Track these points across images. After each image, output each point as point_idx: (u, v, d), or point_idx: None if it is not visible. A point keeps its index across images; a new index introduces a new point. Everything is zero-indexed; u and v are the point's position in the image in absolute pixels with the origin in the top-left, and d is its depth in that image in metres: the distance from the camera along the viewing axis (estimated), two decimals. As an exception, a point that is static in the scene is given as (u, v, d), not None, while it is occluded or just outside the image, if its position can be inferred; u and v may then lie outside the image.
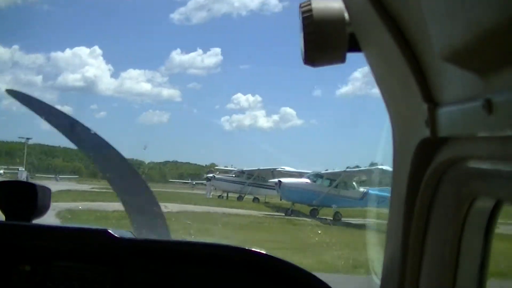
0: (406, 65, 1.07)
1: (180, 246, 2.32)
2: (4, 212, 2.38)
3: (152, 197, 3.40)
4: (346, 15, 1.30)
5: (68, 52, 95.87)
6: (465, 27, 0.73)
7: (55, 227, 2.38)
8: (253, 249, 2.22)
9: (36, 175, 48.38)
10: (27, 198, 2.37)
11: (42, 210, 2.43)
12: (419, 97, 1.06)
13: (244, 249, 2.25)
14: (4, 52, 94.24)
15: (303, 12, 1.32)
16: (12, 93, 3.82)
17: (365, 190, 32.43)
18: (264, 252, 2.20)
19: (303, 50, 1.35)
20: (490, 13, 0.67)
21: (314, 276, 2.15)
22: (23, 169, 46.74)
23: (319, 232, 21.61)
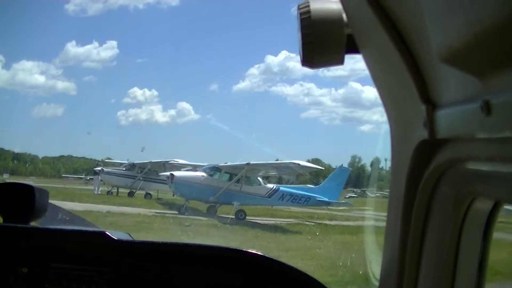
0: (404, 66, 1.07)
1: (177, 248, 2.30)
2: (2, 214, 2.39)
3: None
4: (344, 16, 1.30)
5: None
6: (463, 28, 0.73)
7: (53, 229, 2.38)
8: (250, 251, 2.23)
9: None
10: (25, 200, 2.38)
11: (40, 212, 2.44)
12: (417, 99, 1.06)
13: (241, 251, 2.26)
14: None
15: (301, 14, 1.31)
16: None
17: (274, 186, 30.55)
18: (261, 254, 2.21)
19: (301, 51, 1.34)
20: (488, 14, 0.67)
21: (311, 278, 2.15)
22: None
23: (216, 233, 20.42)
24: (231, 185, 29.17)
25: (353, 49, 1.33)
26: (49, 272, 2.19)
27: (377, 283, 1.53)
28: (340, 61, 1.36)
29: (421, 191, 1.21)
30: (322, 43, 1.31)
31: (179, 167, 33.73)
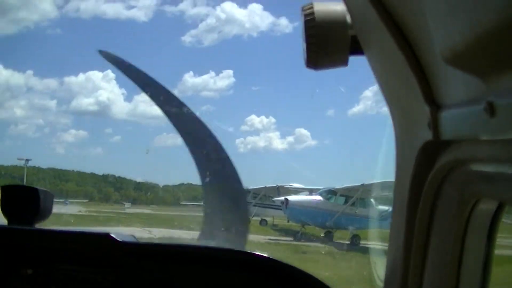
0: (408, 67, 1.07)
1: (182, 249, 2.30)
2: (7, 216, 2.39)
3: None
4: (348, 18, 1.31)
5: (81, 76, 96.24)
6: (467, 30, 0.73)
7: (58, 231, 2.36)
8: (255, 252, 2.21)
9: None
10: (30, 202, 2.38)
11: (44, 214, 2.45)
12: (421, 100, 1.06)
13: (246, 252, 2.25)
14: (19, 77, 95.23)
15: (305, 15, 1.32)
16: (105, 54, 3.67)
17: (389, 208, 27.60)
18: (266, 255, 2.19)
19: (305, 53, 1.35)
20: (492, 16, 0.67)
21: (317, 279, 2.13)
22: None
23: (334, 262, 18.92)
24: (346, 209, 27.58)
25: (357, 51, 1.33)
26: (53, 273, 2.20)
27: (381, 284, 1.53)
28: (345, 63, 1.36)
29: (425, 192, 1.21)
30: (326, 45, 1.31)
31: (294, 191, 32.67)
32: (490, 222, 1.19)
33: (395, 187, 1.37)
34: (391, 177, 1.41)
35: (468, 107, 0.89)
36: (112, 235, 2.18)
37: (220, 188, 3.33)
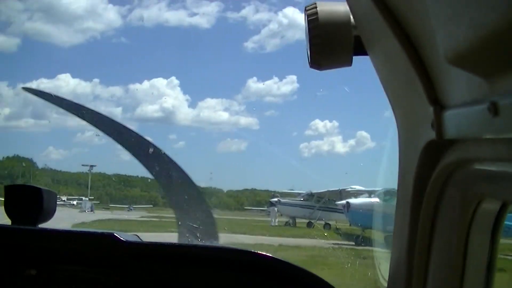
0: (412, 67, 1.07)
1: (186, 249, 2.30)
2: (11, 216, 2.39)
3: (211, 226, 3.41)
4: (352, 18, 1.31)
5: (146, 83, 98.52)
6: (470, 30, 0.73)
7: (61, 231, 2.35)
8: (258, 252, 2.21)
9: (110, 205, 49.24)
10: (33, 202, 2.38)
11: (48, 214, 2.45)
12: (424, 100, 1.06)
13: (249, 252, 2.25)
14: (85, 86, 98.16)
15: (308, 15, 1.32)
16: (30, 90, 3.85)
17: None
18: (270, 255, 2.19)
19: (308, 52, 1.35)
20: (495, 16, 0.67)
21: (321, 279, 2.13)
22: (87, 198, 47.14)
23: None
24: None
25: (361, 51, 1.33)
26: (57, 274, 2.20)
27: (385, 284, 1.53)
28: (348, 63, 1.37)
29: (428, 192, 1.21)
30: (329, 45, 1.32)
31: (355, 194, 31.70)
32: (494, 222, 1.18)
33: (398, 187, 1.37)
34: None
35: (471, 106, 0.89)
36: (116, 234, 2.19)
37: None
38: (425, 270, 1.29)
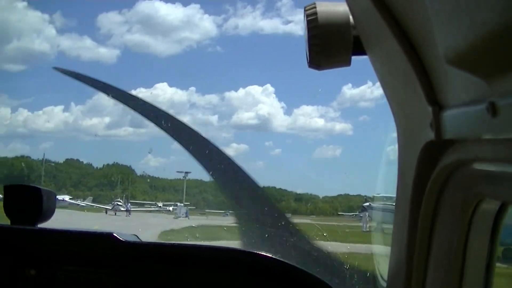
0: (411, 68, 1.07)
1: (185, 250, 2.29)
2: (10, 217, 2.38)
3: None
4: (351, 18, 1.32)
5: (241, 91, 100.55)
6: (469, 30, 0.73)
7: (61, 231, 2.34)
8: (258, 252, 2.20)
9: (206, 210, 50.32)
10: (33, 202, 2.37)
11: (47, 214, 2.44)
12: (423, 100, 1.06)
13: (250, 253, 2.25)
14: (182, 94, 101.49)
15: (307, 15, 1.33)
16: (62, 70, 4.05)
17: None
18: (271, 256, 2.19)
19: (307, 52, 1.35)
20: (493, 17, 0.67)
21: (320, 279, 2.13)
22: (182, 204, 48.28)
23: None
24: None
25: (360, 51, 1.34)
26: (57, 274, 2.20)
27: (384, 284, 1.54)
28: (347, 63, 1.38)
29: (428, 192, 1.21)
30: (328, 45, 1.33)
31: None
32: (493, 222, 1.18)
33: (398, 187, 1.38)
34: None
35: (470, 107, 0.89)
36: (115, 234, 2.18)
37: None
38: (424, 270, 1.30)
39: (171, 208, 48.34)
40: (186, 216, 43.62)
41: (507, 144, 0.85)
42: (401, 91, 1.29)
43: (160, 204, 52.12)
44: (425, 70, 1.06)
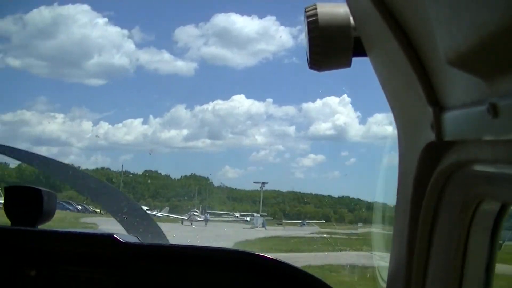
0: (411, 69, 1.06)
1: (185, 251, 2.28)
2: (10, 218, 2.40)
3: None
4: (351, 20, 1.31)
5: (318, 102, 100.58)
6: (469, 32, 0.73)
7: (61, 232, 2.34)
8: (258, 253, 2.21)
9: (283, 220, 50.24)
10: (33, 203, 2.38)
11: (47, 215, 2.45)
12: (424, 101, 1.06)
13: (249, 253, 2.25)
14: (259, 106, 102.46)
15: (308, 17, 1.33)
16: None
17: None
18: (270, 256, 2.20)
19: (308, 54, 1.36)
20: (494, 18, 0.67)
21: (320, 280, 2.14)
22: (258, 215, 48.52)
23: None
24: None
25: (361, 52, 1.34)
26: (57, 274, 2.20)
27: (384, 285, 1.55)
28: (348, 64, 1.38)
29: (428, 193, 1.21)
30: (329, 46, 1.33)
31: None
32: (493, 223, 1.19)
33: (398, 188, 1.38)
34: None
35: (471, 108, 0.89)
36: (115, 235, 2.19)
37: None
38: (425, 270, 1.30)
39: (248, 218, 48.73)
40: (263, 227, 43.84)
41: (507, 145, 0.85)
42: (402, 92, 1.28)
43: (237, 214, 52.53)
44: (426, 71, 1.05)
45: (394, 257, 1.45)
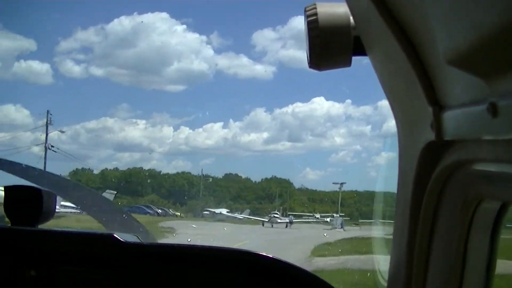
0: (411, 68, 1.06)
1: (185, 250, 2.29)
2: (10, 217, 2.39)
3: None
4: (351, 19, 1.31)
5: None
6: (469, 31, 0.73)
7: (61, 232, 2.35)
8: (258, 253, 2.20)
9: (360, 220, 49.75)
10: (33, 203, 2.37)
11: (47, 215, 2.44)
12: (424, 101, 1.06)
13: (249, 252, 2.25)
14: (339, 107, 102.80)
15: (308, 16, 1.32)
16: None
17: None
18: (272, 256, 2.19)
19: (308, 53, 1.35)
20: (494, 17, 0.66)
21: (321, 280, 2.14)
22: (338, 215, 48.16)
23: None
24: None
25: (360, 51, 1.34)
26: (57, 274, 2.19)
27: (385, 284, 1.54)
28: (348, 63, 1.38)
29: (428, 193, 1.21)
30: (329, 45, 1.32)
31: None
32: (493, 222, 1.19)
33: (398, 187, 1.38)
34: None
35: (470, 107, 0.89)
36: (115, 235, 2.18)
37: None
38: (425, 270, 1.29)
39: (328, 219, 48.59)
40: (342, 227, 43.64)
41: (507, 145, 0.85)
42: (402, 91, 1.28)
43: (317, 215, 52.37)
44: (426, 71, 1.05)
45: (394, 257, 1.45)
